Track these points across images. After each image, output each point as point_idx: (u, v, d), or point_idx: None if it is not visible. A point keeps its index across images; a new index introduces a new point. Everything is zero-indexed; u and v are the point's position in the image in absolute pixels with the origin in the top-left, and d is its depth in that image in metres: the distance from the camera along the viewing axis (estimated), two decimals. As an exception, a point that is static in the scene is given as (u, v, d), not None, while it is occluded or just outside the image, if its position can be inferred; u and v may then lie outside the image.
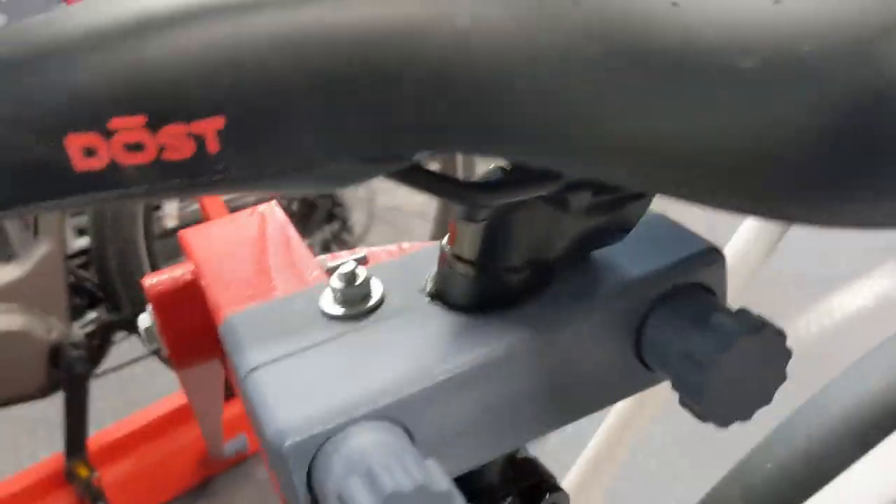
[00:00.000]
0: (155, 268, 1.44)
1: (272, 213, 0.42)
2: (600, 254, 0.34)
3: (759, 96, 0.22)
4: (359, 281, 0.33)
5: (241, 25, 0.24)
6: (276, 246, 0.40)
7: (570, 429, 0.35)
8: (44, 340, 1.29)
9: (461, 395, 0.30)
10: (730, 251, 0.45)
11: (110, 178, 0.24)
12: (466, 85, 0.25)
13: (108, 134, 0.23)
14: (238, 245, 0.40)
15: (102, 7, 0.24)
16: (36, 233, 1.29)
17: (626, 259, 0.34)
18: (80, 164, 0.23)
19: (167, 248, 1.49)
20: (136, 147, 0.24)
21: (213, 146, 0.24)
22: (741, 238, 0.45)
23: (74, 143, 0.23)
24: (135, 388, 1.81)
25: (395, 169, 0.27)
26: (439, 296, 0.34)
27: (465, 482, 0.34)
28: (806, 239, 2.16)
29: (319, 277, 0.37)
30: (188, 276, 0.38)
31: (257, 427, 0.30)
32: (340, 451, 0.28)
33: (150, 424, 1.48)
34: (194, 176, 0.25)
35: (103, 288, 1.41)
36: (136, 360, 1.55)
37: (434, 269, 0.35)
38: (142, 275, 1.42)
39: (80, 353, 1.30)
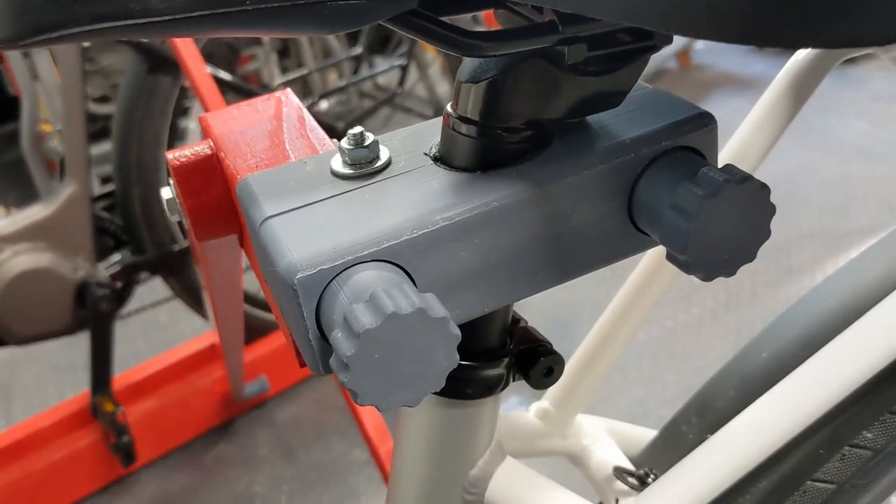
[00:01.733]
0: (178, 212, 1.47)
1: (288, 97, 0.44)
2: (597, 118, 0.36)
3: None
4: (367, 142, 0.35)
5: None
6: (291, 123, 0.42)
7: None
8: (70, 279, 1.32)
9: (460, 243, 0.32)
10: (744, 129, 0.47)
11: (139, 4, 0.26)
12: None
13: (136, -40, 0.25)
14: (255, 124, 0.42)
15: None
16: (62, 175, 1.32)
17: (622, 122, 0.36)
18: (112, -13, 0.25)
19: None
20: (162, -25, 0.26)
21: (231, -22, 0.26)
22: (756, 113, 0.46)
23: (105, -31, 0.25)
24: (157, 332, 1.85)
25: (398, 11, 0.29)
26: (443, 158, 0.36)
27: (465, 345, 0.36)
28: (828, 195, 2.15)
29: (331, 148, 0.39)
30: (207, 151, 0.40)
31: (270, 267, 0.32)
32: (346, 285, 0.30)
33: (175, 365, 1.51)
34: (215, 5, 0.27)
35: (127, 230, 1.44)
36: (157, 304, 1.59)
37: (438, 138, 0.37)
38: (164, 218, 1.45)
39: (105, 292, 1.34)
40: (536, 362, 0.40)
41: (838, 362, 0.40)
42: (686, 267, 0.33)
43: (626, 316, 0.50)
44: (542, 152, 0.35)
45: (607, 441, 0.52)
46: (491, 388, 0.41)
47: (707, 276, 0.34)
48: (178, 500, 1.45)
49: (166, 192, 0.41)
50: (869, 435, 0.45)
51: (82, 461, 1.43)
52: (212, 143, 0.41)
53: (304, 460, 1.51)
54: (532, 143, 0.35)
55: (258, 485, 1.47)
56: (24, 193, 1.84)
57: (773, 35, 0.24)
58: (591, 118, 0.36)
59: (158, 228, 1.44)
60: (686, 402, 0.51)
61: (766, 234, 0.34)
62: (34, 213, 1.31)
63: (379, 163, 0.35)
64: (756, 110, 0.47)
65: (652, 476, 0.47)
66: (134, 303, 1.48)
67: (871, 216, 2.09)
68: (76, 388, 1.71)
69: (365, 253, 0.31)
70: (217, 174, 0.40)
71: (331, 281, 0.31)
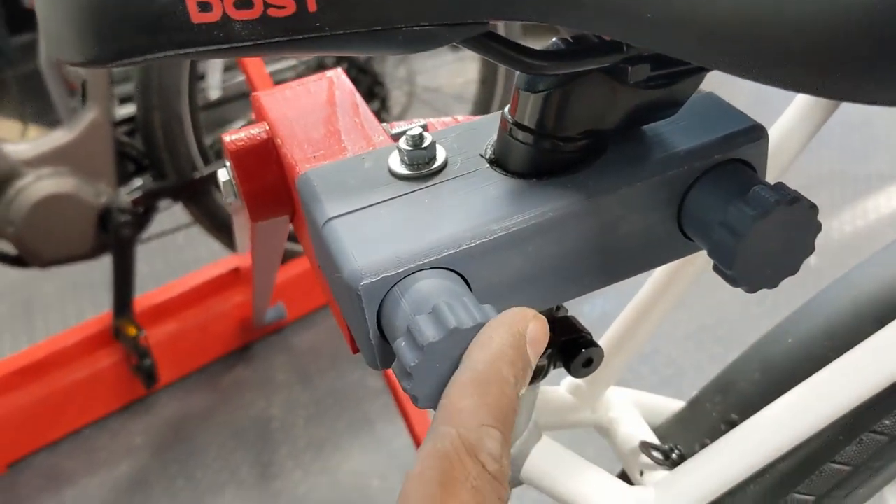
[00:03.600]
0: (199, 139, 1.47)
1: (339, 79, 0.45)
2: (651, 127, 0.37)
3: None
4: (425, 143, 0.36)
5: None
6: (345, 109, 0.43)
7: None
8: (92, 204, 1.33)
9: (515, 251, 0.34)
10: (776, 131, 0.47)
11: (222, 31, 0.27)
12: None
13: (221, -10, 0.26)
14: (308, 107, 0.43)
15: None
16: (84, 100, 1.32)
17: (675, 133, 0.36)
18: (197, 17, 0.26)
19: (211, 118, 1.50)
20: (245, 4, 0.26)
21: (311, 5, 0.27)
22: (788, 118, 0.47)
23: (191, -2, 0.26)
24: (176, 255, 1.88)
25: (469, 35, 0.30)
26: (498, 161, 0.36)
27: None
28: (850, 139, 2.14)
29: (385, 141, 0.40)
30: (263, 135, 0.41)
31: (334, 270, 0.33)
32: (408, 293, 0.32)
33: (195, 289, 1.54)
34: (294, 32, 0.27)
35: (149, 156, 1.44)
36: (178, 229, 1.61)
37: (494, 136, 0.38)
38: (185, 145, 1.45)
39: (127, 217, 1.35)
40: (577, 353, 0.41)
41: (869, 362, 0.41)
42: (731, 280, 0.35)
43: (660, 293, 0.52)
44: (597, 161, 0.36)
45: (634, 414, 0.54)
46: (532, 378, 0.42)
47: (751, 289, 0.35)
48: (196, 421, 1.50)
49: (223, 174, 0.42)
50: (887, 422, 0.47)
51: (104, 381, 1.47)
52: (267, 127, 0.42)
53: (320, 386, 1.55)
54: (587, 152, 0.36)
55: (275, 408, 1.51)
56: (42, 107, 1.84)
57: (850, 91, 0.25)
58: (644, 126, 0.37)
59: (180, 155, 1.45)
60: (711, 380, 0.53)
61: (811, 249, 0.35)
62: (57, 137, 1.31)
63: (436, 164, 0.36)
64: (793, 105, 0.48)
65: (676, 451, 0.50)
66: (154, 227, 1.50)
67: (892, 161, 2.08)
68: (95, 305, 1.75)
69: (425, 261, 0.32)
70: (272, 158, 0.41)
71: (392, 286, 0.32)
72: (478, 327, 0.29)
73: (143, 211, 1.44)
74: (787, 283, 0.36)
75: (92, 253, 1.39)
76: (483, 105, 1.77)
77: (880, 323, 0.48)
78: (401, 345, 0.30)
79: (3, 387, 1.39)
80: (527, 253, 0.34)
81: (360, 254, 0.32)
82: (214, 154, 1.52)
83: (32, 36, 2.08)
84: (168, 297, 1.52)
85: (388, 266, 0.32)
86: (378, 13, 0.28)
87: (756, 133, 0.36)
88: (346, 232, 0.34)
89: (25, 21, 2.25)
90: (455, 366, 0.30)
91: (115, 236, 1.36)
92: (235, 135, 0.41)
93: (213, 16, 0.26)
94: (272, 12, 0.27)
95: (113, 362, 1.46)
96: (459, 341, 0.29)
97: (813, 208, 0.34)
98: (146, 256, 1.82)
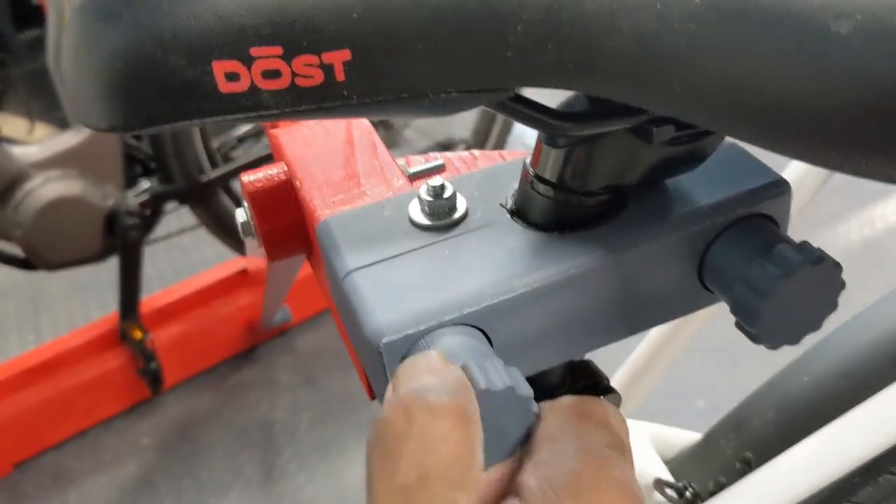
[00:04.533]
0: (206, 142, 1.47)
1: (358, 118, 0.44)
2: (673, 180, 0.37)
3: (849, 60, 0.23)
4: (446, 194, 0.36)
5: (370, -35, 0.26)
6: (363, 150, 0.42)
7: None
8: (100, 207, 1.34)
9: (537, 307, 0.34)
10: (790, 173, 0.47)
11: (250, 100, 0.26)
12: (574, 25, 0.27)
13: (249, 61, 0.26)
14: (327, 147, 0.43)
15: (246, -59, 0.26)
16: (93, 101, 1.32)
17: (697, 187, 0.36)
18: (224, 86, 0.26)
19: (218, 124, 1.50)
20: (274, 74, 0.26)
21: (339, 75, 0.27)
22: (798, 166, 0.47)
23: (220, 68, 0.26)
24: (182, 257, 1.88)
25: (495, 100, 0.29)
26: (520, 213, 0.36)
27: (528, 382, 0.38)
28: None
29: (404, 186, 0.40)
30: (282, 176, 0.41)
31: (354, 323, 0.33)
32: (432, 349, 0.31)
33: (200, 292, 1.54)
34: (322, 101, 0.27)
35: (156, 159, 1.44)
36: (184, 231, 1.61)
37: (515, 185, 0.37)
38: (193, 148, 1.45)
39: (134, 220, 1.36)
40: (595, 399, 0.41)
41: (889, 411, 0.41)
42: (753, 338, 0.34)
43: (678, 328, 0.52)
44: (618, 215, 0.35)
45: (647, 448, 0.54)
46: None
47: (773, 346, 0.35)
48: (202, 422, 1.50)
49: (240, 215, 0.42)
50: (902, 464, 0.47)
51: (111, 382, 1.47)
52: (285, 167, 0.42)
53: (325, 389, 1.55)
54: (609, 207, 0.35)
55: (279, 410, 1.52)
56: (48, 104, 1.83)
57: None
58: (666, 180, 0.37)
59: (187, 158, 1.45)
60: (724, 416, 0.53)
61: (834, 306, 0.35)
62: (65, 140, 1.31)
63: (457, 214, 0.36)
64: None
65: (690, 490, 0.50)
66: (160, 228, 1.50)
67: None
68: (101, 304, 1.75)
69: (447, 318, 0.32)
70: (291, 199, 0.41)
71: (415, 343, 0.32)
72: (508, 390, 0.29)
73: (150, 214, 1.44)
74: None
75: (99, 255, 1.39)
76: (482, 133, 1.77)
77: (895, 363, 0.48)
78: None
79: (10, 387, 1.40)
80: (548, 308, 0.34)
81: (381, 310, 0.32)
82: (222, 157, 1.52)
83: (39, 32, 2.08)
84: (174, 298, 1.52)
85: (410, 323, 0.32)
86: (405, 82, 0.27)
87: (780, 188, 0.36)
88: (366, 285, 0.34)
89: (32, 17, 2.25)
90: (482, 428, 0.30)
91: (122, 239, 1.36)
92: (254, 175, 0.41)
93: (241, 86, 0.26)
94: (300, 82, 0.26)
95: (119, 364, 1.47)
96: (487, 402, 0.29)
97: (837, 267, 0.34)
98: (152, 257, 1.82)
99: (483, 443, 0.29)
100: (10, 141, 1.31)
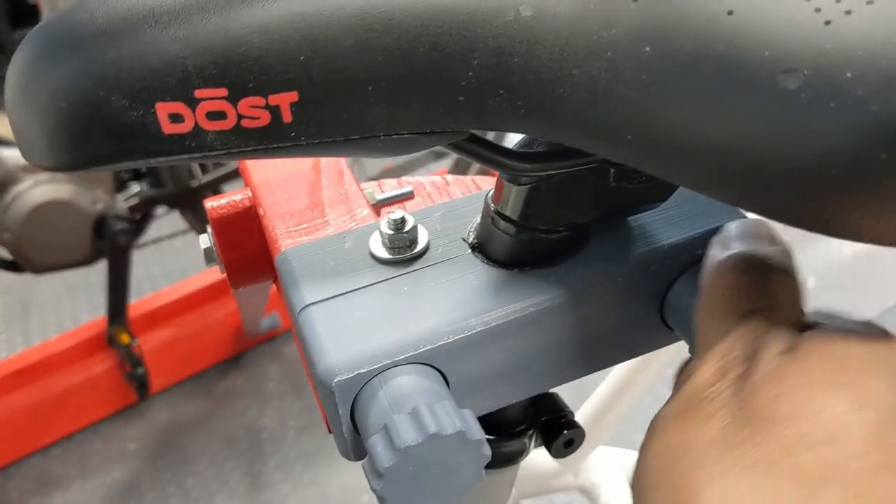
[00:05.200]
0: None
1: (326, 144, 0.44)
2: (635, 218, 0.36)
3: (796, 116, 0.23)
4: (407, 227, 0.36)
5: (317, 6, 0.26)
6: (329, 177, 0.42)
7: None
8: (89, 211, 1.33)
9: (495, 346, 0.33)
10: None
11: (194, 141, 0.26)
12: (526, 71, 0.26)
13: (194, 102, 0.25)
14: (293, 173, 0.42)
15: (191, -18, 0.26)
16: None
17: (659, 224, 0.36)
18: (168, 128, 0.26)
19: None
20: (219, 115, 0.26)
21: (287, 117, 0.26)
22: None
23: (163, 110, 0.25)
24: (173, 260, 1.88)
25: (449, 141, 0.29)
26: (481, 248, 0.36)
27: (490, 416, 0.37)
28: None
29: (368, 217, 0.39)
30: (246, 203, 0.41)
31: (308, 361, 0.33)
32: (384, 388, 0.31)
33: (189, 297, 1.54)
34: (269, 142, 0.27)
35: (147, 163, 1.44)
36: (174, 235, 1.60)
37: (477, 219, 0.37)
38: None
39: (123, 224, 1.35)
40: (559, 434, 0.41)
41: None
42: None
43: (646, 361, 0.51)
44: (579, 252, 0.35)
45: (619, 477, 0.54)
46: (512, 459, 0.42)
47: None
48: (189, 428, 1.50)
49: (204, 241, 0.42)
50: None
51: (98, 386, 1.47)
52: (250, 194, 0.41)
53: (311, 397, 1.55)
54: (569, 244, 0.35)
55: (266, 418, 1.51)
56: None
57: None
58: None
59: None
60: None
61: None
62: (55, 144, 1.31)
63: (418, 248, 0.36)
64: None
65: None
66: (151, 232, 1.50)
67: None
68: (91, 306, 1.75)
69: (402, 357, 0.32)
70: (255, 226, 0.41)
71: (369, 380, 0.32)
72: (459, 434, 0.29)
73: (140, 218, 1.43)
74: None
75: (88, 259, 1.38)
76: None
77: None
78: (376, 443, 0.29)
79: (-4, 390, 1.39)
80: (506, 347, 0.34)
81: (334, 348, 0.32)
82: (212, 162, 1.52)
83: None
84: (162, 303, 1.52)
85: (363, 362, 0.32)
86: (355, 124, 0.27)
87: (742, 228, 0.35)
88: (321, 321, 0.33)
89: (27, 15, 2.24)
90: (431, 471, 0.29)
91: (111, 243, 1.36)
92: (218, 201, 0.41)
93: (185, 127, 0.26)
94: (246, 123, 0.26)
95: (106, 369, 1.46)
96: (438, 446, 0.29)
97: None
98: (143, 260, 1.82)
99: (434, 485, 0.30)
100: (2, 142, 1.30)
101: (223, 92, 0.25)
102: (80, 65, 0.25)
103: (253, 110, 0.26)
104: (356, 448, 0.34)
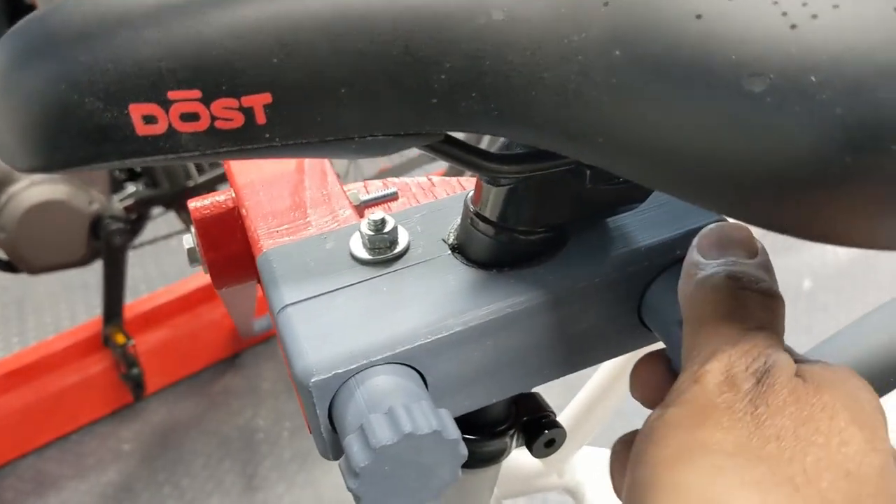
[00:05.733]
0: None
1: (310, 145, 0.44)
2: (613, 219, 0.36)
3: (761, 119, 0.23)
4: (387, 228, 0.36)
5: (289, 8, 0.26)
6: (313, 177, 0.42)
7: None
8: (85, 211, 1.33)
9: (473, 346, 0.33)
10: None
11: (168, 142, 0.26)
12: (498, 74, 0.27)
13: (167, 104, 0.26)
14: (277, 173, 0.42)
15: (165, -15, 0.26)
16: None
17: (637, 226, 0.36)
18: (142, 129, 0.26)
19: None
20: (192, 117, 0.26)
21: (260, 118, 0.26)
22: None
23: (137, 111, 0.26)
24: (169, 259, 1.88)
25: (425, 143, 0.29)
26: (460, 249, 0.36)
27: (470, 416, 0.37)
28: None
29: (350, 218, 0.39)
30: (230, 203, 0.41)
31: (288, 361, 0.33)
32: (361, 388, 0.31)
33: (185, 297, 1.54)
34: (243, 143, 0.27)
35: (143, 164, 1.44)
36: (170, 236, 1.60)
37: (457, 220, 0.37)
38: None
39: (119, 225, 1.35)
40: (540, 434, 0.41)
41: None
42: (689, 381, 0.34)
43: (629, 361, 0.52)
44: (557, 254, 0.35)
45: (603, 476, 0.54)
46: (493, 458, 0.42)
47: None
48: (184, 429, 1.50)
49: (187, 241, 0.42)
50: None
51: (93, 387, 1.47)
52: (233, 194, 0.42)
53: (308, 397, 1.55)
54: (548, 245, 0.35)
55: (261, 419, 1.51)
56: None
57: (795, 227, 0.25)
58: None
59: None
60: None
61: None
62: (50, 144, 1.31)
63: (398, 248, 0.36)
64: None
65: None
66: (147, 232, 1.50)
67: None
68: (87, 307, 1.75)
69: (379, 357, 0.32)
70: (238, 226, 0.41)
71: (345, 381, 0.32)
72: (435, 434, 0.29)
73: (136, 218, 1.43)
74: None
75: (83, 260, 1.38)
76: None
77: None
78: (352, 443, 0.30)
79: (-9, 390, 1.40)
80: (484, 347, 0.34)
81: (312, 348, 0.32)
82: (208, 162, 1.52)
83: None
84: (158, 303, 1.52)
85: (340, 362, 0.32)
86: (329, 126, 0.27)
87: (720, 229, 0.36)
88: (300, 322, 0.33)
89: (24, 14, 2.25)
90: (407, 470, 0.30)
91: (107, 244, 1.36)
92: (201, 202, 0.41)
93: (159, 128, 0.26)
94: (219, 125, 0.26)
95: (102, 369, 1.46)
96: (413, 445, 0.29)
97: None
98: (140, 260, 1.82)
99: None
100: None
101: (196, 94, 0.26)
102: (54, 67, 0.25)
103: (226, 112, 0.26)
104: (334, 447, 0.34)
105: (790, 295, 1.73)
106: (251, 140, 0.27)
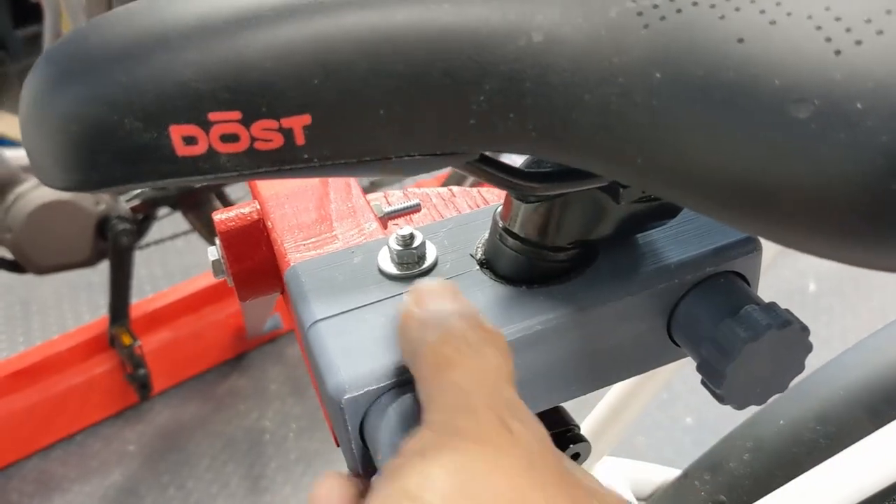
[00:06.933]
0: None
1: (334, 157, 0.44)
2: (644, 235, 0.36)
3: (806, 145, 0.23)
4: (416, 243, 0.36)
5: (329, 30, 0.26)
6: (337, 190, 0.42)
7: (598, 389, 0.38)
8: (92, 212, 1.33)
9: None
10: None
11: (207, 163, 0.26)
12: (538, 95, 0.26)
13: (208, 125, 0.26)
14: (301, 185, 0.42)
15: (204, 6, 0.26)
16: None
17: (667, 242, 0.36)
18: (182, 150, 0.26)
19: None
20: (232, 138, 0.26)
21: (299, 139, 0.26)
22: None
23: (177, 132, 0.25)
24: (176, 259, 1.88)
25: (460, 162, 0.29)
26: (489, 264, 0.36)
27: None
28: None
29: (376, 231, 0.39)
30: (255, 216, 0.41)
31: (318, 377, 0.33)
32: (393, 405, 0.31)
33: (190, 297, 1.54)
34: (282, 164, 0.27)
35: (149, 165, 1.44)
36: (176, 236, 1.60)
37: (485, 234, 0.37)
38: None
39: (125, 225, 1.35)
40: (565, 448, 0.41)
41: (865, 462, 0.41)
42: (719, 398, 0.34)
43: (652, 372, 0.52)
44: (587, 270, 0.35)
45: (623, 488, 0.54)
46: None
47: (739, 406, 0.35)
48: (189, 430, 1.50)
49: (212, 253, 0.42)
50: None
51: (98, 387, 1.47)
52: (258, 206, 0.41)
53: (313, 398, 1.55)
54: (577, 262, 0.35)
55: (267, 420, 1.51)
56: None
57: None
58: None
59: (180, 164, 1.44)
60: (700, 457, 0.53)
61: (801, 368, 0.35)
62: (58, 145, 1.31)
63: (426, 264, 0.36)
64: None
65: (661, 533, 0.49)
66: (153, 233, 1.50)
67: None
68: (92, 306, 1.75)
69: (410, 375, 0.32)
70: (263, 239, 0.41)
71: (378, 398, 0.32)
72: None
73: (142, 219, 1.43)
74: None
75: (90, 260, 1.38)
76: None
77: (871, 411, 0.48)
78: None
79: (-4, 391, 1.39)
80: (515, 364, 0.34)
81: (344, 365, 0.32)
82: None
83: (37, 28, 2.07)
84: (164, 304, 1.52)
85: (372, 379, 0.32)
86: (367, 146, 0.27)
87: (750, 245, 0.36)
88: (331, 337, 0.33)
89: (30, 13, 2.24)
90: None
91: (114, 244, 1.36)
92: (226, 214, 0.41)
93: (199, 149, 0.26)
94: (259, 146, 0.26)
95: (107, 369, 1.46)
96: None
97: (805, 330, 0.33)
98: (146, 259, 1.82)
99: None
100: (5, 140, 1.30)
101: (237, 115, 0.26)
102: (93, 88, 0.25)
103: (266, 133, 0.26)
104: (365, 463, 0.34)
105: (795, 298, 1.73)
106: (290, 161, 0.27)
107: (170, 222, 1.57)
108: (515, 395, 0.29)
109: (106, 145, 0.26)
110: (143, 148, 0.26)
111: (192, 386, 1.58)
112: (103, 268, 1.41)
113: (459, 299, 0.31)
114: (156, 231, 1.50)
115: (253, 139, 0.26)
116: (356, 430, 0.33)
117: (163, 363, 1.50)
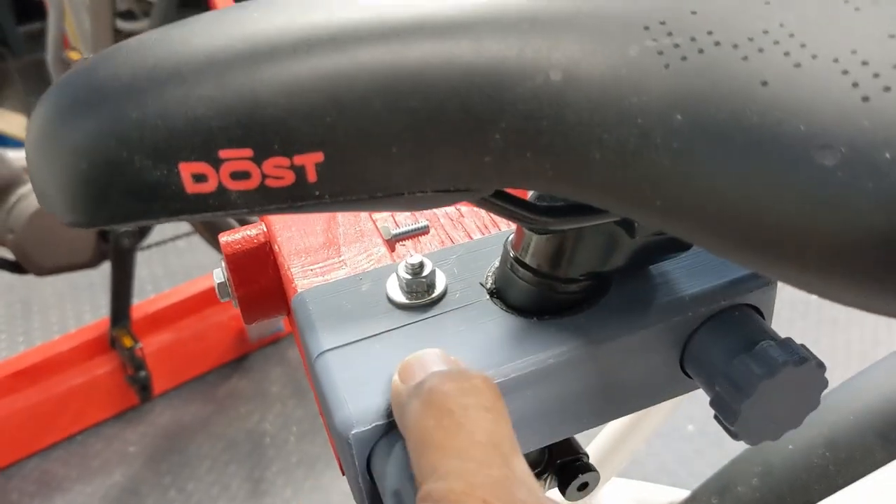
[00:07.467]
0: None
1: (342, 178, 0.44)
2: (657, 266, 0.36)
3: (832, 193, 0.23)
4: (425, 272, 0.35)
5: (344, 67, 0.25)
6: (345, 214, 0.42)
7: (608, 420, 0.37)
8: (94, 213, 1.32)
9: (513, 396, 0.33)
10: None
11: (217, 200, 0.26)
12: (555, 133, 0.26)
13: (218, 163, 0.25)
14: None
15: (216, 41, 0.25)
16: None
17: (680, 274, 0.35)
18: (191, 187, 0.25)
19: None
20: (243, 175, 0.25)
21: (311, 176, 0.26)
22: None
23: (187, 170, 0.25)
24: (177, 260, 1.87)
25: (474, 198, 0.29)
26: (499, 294, 0.36)
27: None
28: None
29: (384, 255, 0.39)
30: (261, 238, 0.40)
31: (325, 409, 0.33)
32: (402, 441, 0.31)
33: (192, 299, 1.54)
34: (293, 200, 0.26)
35: (152, 166, 1.43)
36: (178, 237, 1.60)
37: (496, 262, 0.37)
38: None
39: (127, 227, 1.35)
40: (574, 477, 0.41)
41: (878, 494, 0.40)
42: (733, 434, 0.34)
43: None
44: (600, 302, 0.35)
45: (629, 510, 0.54)
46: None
47: (752, 442, 0.34)
48: (190, 432, 1.50)
49: (218, 276, 0.41)
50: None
51: (99, 388, 1.47)
52: (264, 228, 0.41)
53: (314, 402, 1.54)
54: (590, 293, 0.35)
55: (268, 423, 1.51)
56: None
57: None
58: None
59: (183, 166, 1.44)
60: (708, 479, 0.52)
61: (816, 404, 0.34)
62: (60, 146, 1.30)
63: (435, 293, 0.35)
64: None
65: (668, 557, 0.49)
66: (155, 234, 1.50)
67: None
68: (93, 307, 1.74)
69: (419, 408, 0.31)
70: (269, 261, 0.40)
71: (386, 433, 0.32)
72: None
73: (144, 221, 1.43)
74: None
75: (91, 262, 1.38)
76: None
77: (883, 437, 0.48)
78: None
79: (-3, 391, 1.39)
80: (524, 397, 0.33)
81: (352, 398, 0.32)
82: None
83: (40, 25, 2.06)
84: (165, 305, 1.51)
85: (380, 414, 0.31)
86: (380, 182, 0.27)
87: (765, 278, 0.35)
88: (338, 369, 0.33)
89: (33, 10, 2.24)
90: None
91: (115, 245, 1.36)
92: (232, 236, 0.40)
93: (209, 187, 0.25)
94: (270, 183, 0.26)
95: (108, 370, 1.46)
96: None
97: (821, 367, 0.33)
98: (148, 260, 1.82)
99: None
100: (7, 137, 1.30)
101: (248, 153, 0.25)
102: (102, 123, 0.25)
103: (277, 170, 0.25)
104: (372, 497, 0.33)
105: (799, 308, 1.73)
106: (301, 197, 0.26)
107: (171, 223, 1.57)
108: (506, 465, 0.27)
109: (115, 182, 0.25)
110: (153, 185, 0.25)
111: (193, 387, 1.57)
112: (105, 268, 1.41)
113: (443, 363, 0.30)
114: (157, 232, 1.50)
115: (264, 176, 0.25)
116: (363, 465, 0.32)
117: (164, 365, 1.50)
